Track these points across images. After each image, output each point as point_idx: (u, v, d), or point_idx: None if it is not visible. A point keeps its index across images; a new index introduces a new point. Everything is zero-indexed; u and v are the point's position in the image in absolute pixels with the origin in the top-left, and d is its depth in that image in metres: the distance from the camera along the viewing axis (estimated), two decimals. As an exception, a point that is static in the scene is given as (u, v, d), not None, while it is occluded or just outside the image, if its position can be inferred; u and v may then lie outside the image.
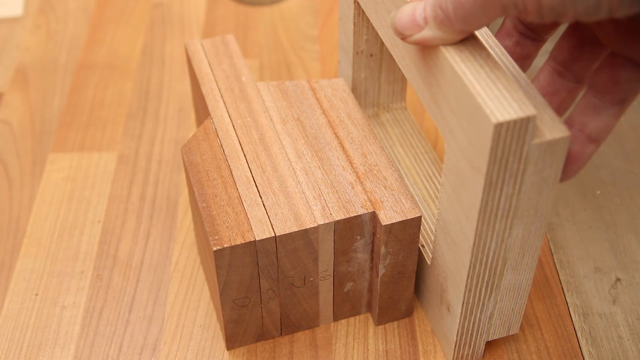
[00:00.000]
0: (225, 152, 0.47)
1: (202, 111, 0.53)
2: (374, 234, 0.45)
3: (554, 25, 0.40)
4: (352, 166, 0.46)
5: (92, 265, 0.53)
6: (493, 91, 0.34)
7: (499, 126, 0.33)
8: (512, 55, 0.41)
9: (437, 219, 0.43)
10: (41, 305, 0.51)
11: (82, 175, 0.60)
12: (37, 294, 0.52)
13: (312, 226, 0.43)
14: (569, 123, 0.38)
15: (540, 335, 0.49)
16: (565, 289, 0.52)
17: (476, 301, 0.43)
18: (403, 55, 0.42)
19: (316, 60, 0.70)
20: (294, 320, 0.48)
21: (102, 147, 0.62)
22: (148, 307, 0.51)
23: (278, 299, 0.46)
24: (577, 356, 0.48)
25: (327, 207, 0.44)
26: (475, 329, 0.45)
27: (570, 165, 0.38)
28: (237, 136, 0.48)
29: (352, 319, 0.50)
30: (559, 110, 0.41)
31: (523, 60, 0.42)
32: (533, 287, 0.52)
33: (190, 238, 0.55)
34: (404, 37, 0.37)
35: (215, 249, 0.41)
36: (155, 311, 0.51)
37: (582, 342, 0.49)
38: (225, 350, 0.49)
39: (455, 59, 0.36)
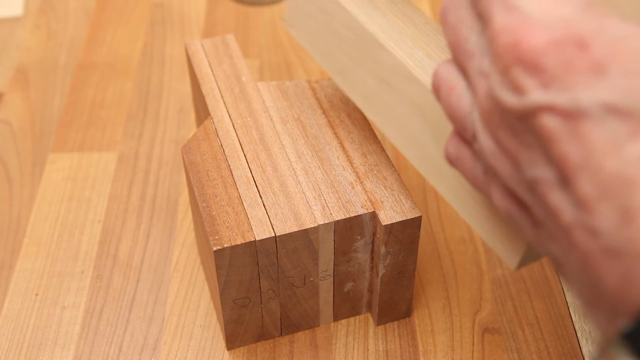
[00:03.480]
0: (225, 152, 0.47)
1: (202, 111, 0.53)
2: (374, 234, 0.45)
3: None
4: (352, 166, 0.46)
5: (92, 265, 0.53)
6: None
7: None
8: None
9: None
10: (41, 305, 0.51)
11: (82, 175, 0.60)
12: (37, 294, 0.52)
13: (312, 226, 0.43)
14: None
15: (540, 335, 0.49)
16: (565, 289, 0.52)
17: None
18: None
19: (316, 61, 0.70)
20: (294, 320, 0.48)
21: (102, 147, 0.62)
22: (148, 307, 0.51)
23: (278, 299, 0.46)
24: (577, 356, 0.48)
25: (327, 207, 0.44)
26: None
27: None
28: (237, 136, 0.48)
29: (352, 319, 0.50)
30: None
31: None
32: (533, 287, 0.52)
33: (190, 238, 0.55)
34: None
35: (215, 249, 0.41)
36: (155, 311, 0.51)
37: (582, 342, 0.49)
38: (225, 350, 0.49)
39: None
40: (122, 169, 0.60)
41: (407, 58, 0.41)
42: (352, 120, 0.49)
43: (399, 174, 0.46)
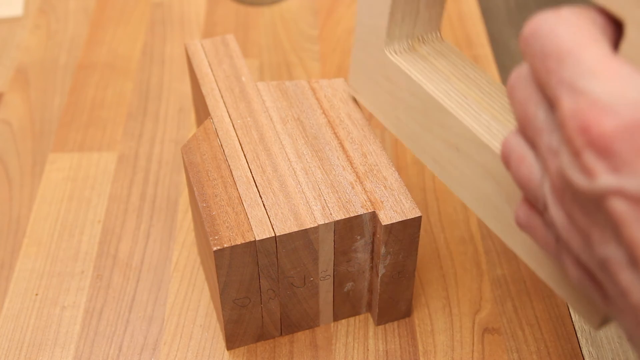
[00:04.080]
0: (225, 152, 0.47)
1: (202, 111, 0.53)
2: (374, 234, 0.45)
3: None
4: (352, 166, 0.46)
5: (92, 265, 0.53)
6: None
7: None
8: None
9: None
10: (41, 305, 0.51)
11: (82, 175, 0.60)
12: (37, 294, 0.52)
13: (312, 226, 0.43)
14: None
15: (540, 335, 0.49)
16: (565, 289, 0.52)
17: None
18: None
19: (316, 60, 0.70)
20: (294, 320, 0.48)
21: (102, 147, 0.62)
22: (148, 307, 0.51)
23: (278, 299, 0.46)
24: (577, 356, 0.48)
25: (327, 207, 0.44)
26: None
27: None
28: (237, 136, 0.48)
29: (352, 319, 0.50)
30: None
31: None
32: (533, 287, 0.52)
33: (190, 238, 0.55)
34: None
35: (215, 249, 0.41)
36: (155, 311, 0.51)
37: (582, 342, 0.49)
38: (225, 350, 0.49)
39: None
40: (122, 169, 0.60)
41: (473, 123, 0.41)
42: (352, 120, 0.49)
43: (399, 174, 0.46)
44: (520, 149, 0.32)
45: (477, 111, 0.42)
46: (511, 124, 0.41)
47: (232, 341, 0.48)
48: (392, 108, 0.47)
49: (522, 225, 0.34)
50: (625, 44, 0.31)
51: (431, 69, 0.45)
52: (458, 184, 0.44)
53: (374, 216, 0.44)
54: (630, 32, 0.31)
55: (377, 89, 0.48)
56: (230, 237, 0.42)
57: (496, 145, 0.40)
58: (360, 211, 0.44)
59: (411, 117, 0.46)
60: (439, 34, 0.47)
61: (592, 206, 0.28)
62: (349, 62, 0.55)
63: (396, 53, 0.46)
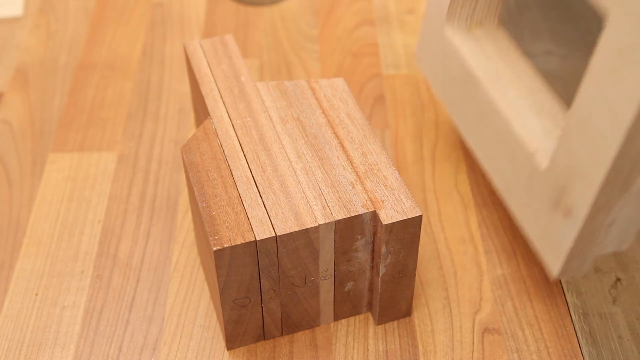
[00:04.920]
0: (225, 152, 0.47)
1: (201, 111, 0.53)
2: (374, 234, 0.45)
3: None
4: (352, 166, 0.46)
5: (92, 265, 0.53)
6: None
7: None
8: None
9: (570, 113, 0.40)
10: (41, 305, 0.51)
11: (82, 175, 0.60)
12: (37, 294, 0.52)
13: (313, 226, 0.43)
14: None
15: (540, 335, 0.49)
16: (565, 289, 0.52)
17: (604, 202, 0.40)
18: None
19: (316, 60, 0.70)
20: (294, 320, 0.48)
21: (102, 147, 0.62)
22: (148, 307, 0.51)
23: (279, 299, 0.46)
24: (577, 356, 0.48)
25: (328, 206, 0.44)
26: (592, 238, 0.43)
27: None
28: (236, 136, 0.48)
29: (352, 319, 0.50)
30: None
31: None
32: (533, 287, 0.52)
33: (190, 238, 0.55)
34: None
35: (215, 249, 0.41)
36: (155, 311, 0.51)
37: (582, 342, 0.49)
38: (225, 350, 0.49)
39: None
40: (122, 169, 0.60)
41: (497, 97, 0.50)
42: (351, 119, 0.49)
43: (399, 174, 0.46)
44: None
45: (504, 89, 0.49)
46: (534, 102, 0.48)
47: (232, 341, 0.48)
48: (442, 78, 0.55)
49: None
50: (605, 33, 0.36)
51: (478, 49, 0.52)
52: (478, 146, 0.52)
53: (374, 215, 0.44)
54: (610, 24, 0.36)
55: (434, 60, 0.56)
56: (230, 237, 0.42)
57: (513, 118, 0.48)
58: (361, 211, 0.43)
59: (454, 86, 0.53)
60: (496, 20, 0.53)
61: None
62: (417, 38, 0.64)
63: (453, 31, 0.53)
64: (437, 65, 0.56)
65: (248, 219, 0.43)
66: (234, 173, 0.45)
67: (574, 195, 0.41)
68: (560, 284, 0.52)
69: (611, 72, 0.37)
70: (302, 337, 0.49)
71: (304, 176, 0.45)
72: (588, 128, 0.39)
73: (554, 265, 0.45)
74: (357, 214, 0.43)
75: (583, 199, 0.41)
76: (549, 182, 0.44)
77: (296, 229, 0.43)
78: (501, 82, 0.50)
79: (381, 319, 0.49)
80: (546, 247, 0.45)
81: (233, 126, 0.48)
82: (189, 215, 0.57)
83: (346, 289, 0.48)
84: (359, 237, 0.45)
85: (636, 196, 0.41)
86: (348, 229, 0.44)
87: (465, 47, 0.52)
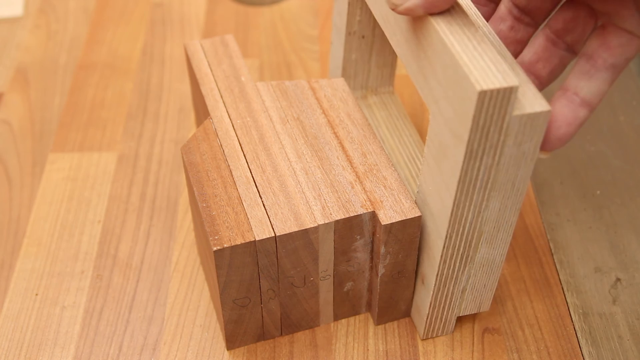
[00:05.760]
0: (225, 152, 0.47)
1: (201, 111, 0.53)
2: (373, 234, 0.45)
3: (550, 9, 0.42)
4: (351, 166, 0.46)
5: (92, 265, 0.54)
6: (479, 62, 0.36)
7: (482, 94, 0.35)
8: (505, 39, 0.43)
9: (417, 192, 0.44)
10: (41, 305, 0.51)
11: (82, 175, 0.60)
12: (37, 294, 0.52)
13: (312, 226, 0.43)
14: (564, 88, 0.40)
15: (540, 335, 0.49)
16: (565, 289, 0.52)
17: (450, 273, 0.44)
18: (394, 31, 0.43)
19: (316, 60, 0.70)
20: (294, 320, 0.48)
21: (102, 147, 0.62)
22: (148, 307, 0.51)
23: (278, 299, 0.46)
24: (577, 356, 0.48)
25: (327, 206, 0.44)
26: (448, 303, 0.46)
27: (562, 130, 0.40)
28: (236, 136, 0.48)
29: (352, 319, 0.50)
30: (550, 76, 0.43)
31: (516, 44, 0.44)
32: (533, 287, 0.52)
33: (190, 238, 0.55)
34: (394, 7, 0.38)
35: (215, 249, 0.41)
36: (155, 311, 0.51)
37: (582, 342, 0.49)
38: (225, 350, 0.49)
39: (444, 31, 0.37)
40: (122, 169, 0.60)
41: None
42: (351, 120, 0.49)
43: (398, 174, 0.46)
44: None
45: (388, 152, 0.52)
46: (412, 170, 0.51)
47: (232, 341, 0.48)
48: None
49: None
50: (429, 127, 0.40)
51: (370, 116, 0.56)
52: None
53: (373, 216, 0.44)
54: (431, 119, 0.40)
55: None
56: (230, 237, 0.42)
57: (402, 166, 0.52)
58: (360, 211, 0.44)
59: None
60: (391, 88, 0.58)
61: None
62: None
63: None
64: None
65: (248, 219, 0.43)
66: (233, 173, 0.45)
67: (425, 266, 0.45)
68: (560, 283, 0.52)
69: (435, 161, 0.41)
70: (302, 337, 0.49)
71: (303, 176, 0.46)
72: (428, 207, 0.43)
73: (419, 327, 0.49)
74: (356, 214, 0.43)
75: (431, 270, 0.45)
76: None
77: (295, 229, 0.43)
78: (385, 149, 0.53)
79: (380, 319, 0.49)
80: (414, 310, 0.49)
81: (233, 126, 0.48)
82: (189, 215, 0.57)
83: (345, 289, 0.48)
84: (358, 237, 0.45)
85: (482, 267, 0.44)
86: (347, 229, 0.44)
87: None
